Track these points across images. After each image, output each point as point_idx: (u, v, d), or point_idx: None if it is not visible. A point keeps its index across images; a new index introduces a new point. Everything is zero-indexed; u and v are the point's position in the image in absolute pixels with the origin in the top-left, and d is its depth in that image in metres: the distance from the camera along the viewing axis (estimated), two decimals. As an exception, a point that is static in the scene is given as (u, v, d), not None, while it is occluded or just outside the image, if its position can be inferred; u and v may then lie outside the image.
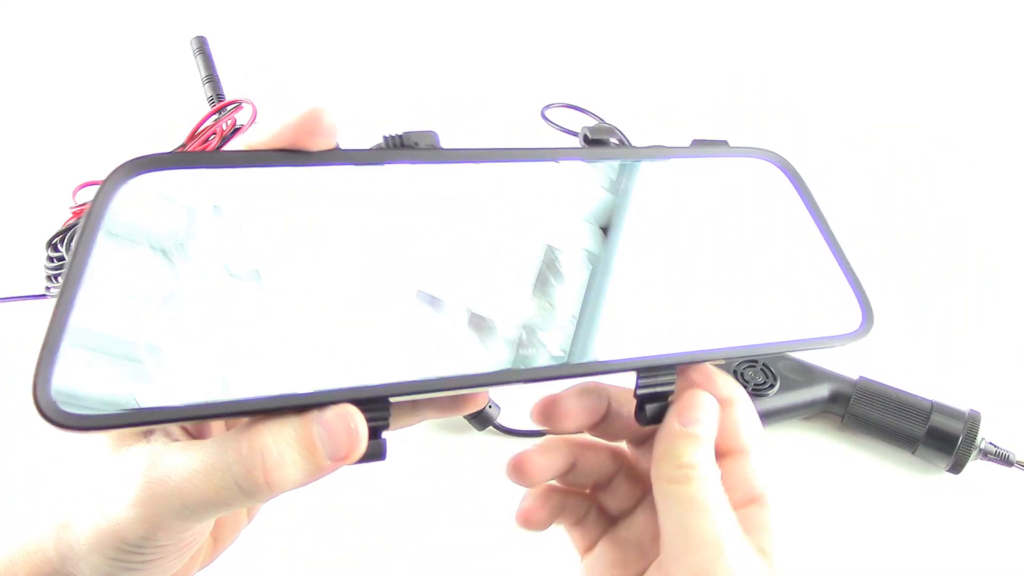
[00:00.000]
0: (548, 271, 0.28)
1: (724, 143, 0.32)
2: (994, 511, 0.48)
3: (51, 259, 0.53)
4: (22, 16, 0.77)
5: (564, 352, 0.28)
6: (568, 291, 0.28)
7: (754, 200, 0.32)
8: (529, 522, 0.32)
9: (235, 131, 0.59)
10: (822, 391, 0.50)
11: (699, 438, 0.28)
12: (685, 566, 0.27)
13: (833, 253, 0.31)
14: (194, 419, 0.24)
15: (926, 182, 0.66)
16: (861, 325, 0.30)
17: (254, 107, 0.59)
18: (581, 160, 0.29)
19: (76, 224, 0.54)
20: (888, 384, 0.50)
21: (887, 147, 0.69)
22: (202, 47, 0.67)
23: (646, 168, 0.30)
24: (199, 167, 0.24)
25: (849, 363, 0.51)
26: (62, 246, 0.52)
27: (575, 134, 0.62)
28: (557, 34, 0.78)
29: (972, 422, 0.47)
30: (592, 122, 0.64)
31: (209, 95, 0.65)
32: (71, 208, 0.55)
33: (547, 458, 0.31)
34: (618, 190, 0.30)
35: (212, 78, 0.66)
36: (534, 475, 0.31)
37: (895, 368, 0.51)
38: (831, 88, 0.74)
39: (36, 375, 0.22)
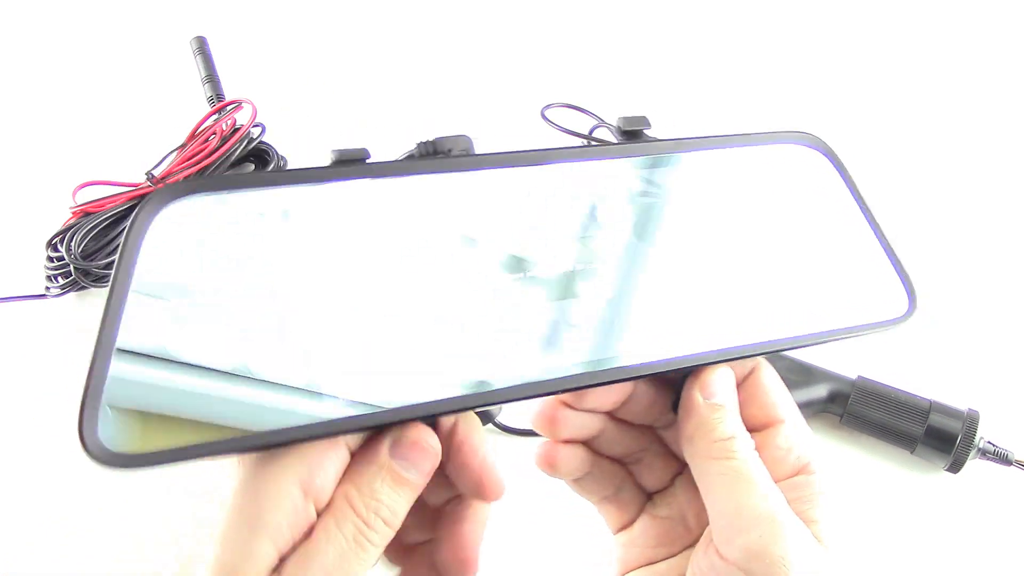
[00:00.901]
0: (587, 274, 0.28)
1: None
2: (993, 510, 0.48)
3: (51, 259, 0.53)
4: (22, 16, 0.77)
5: (600, 356, 0.27)
6: (607, 292, 0.28)
7: (794, 187, 0.31)
8: (551, 465, 0.31)
9: (235, 131, 0.59)
10: (820, 391, 0.50)
11: (725, 407, 0.28)
12: (739, 545, 0.26)
13: (878, 238, 0.31)
14: (254, 449, 0.24)
15: (923, 179, 0.66)
16: (907, 310, 0.31)
17: (254, 107, 0.59)
18: (616, 158, 0.29)
19: (76, 224, 0.54)
20: (886, 383, 0.50)
21: (885, 140, 0.69)
22: (202, 47, 0.67)
23: (685, 160, 0.30)
24: (230, 190, 0.24)
25: (847, 362, 0.51)
26: (62, 246, 0.52)
27: (578, 134, 0.62)
28: (557, 34, 0.78)
29: (971, 421, 0.48)
30: (593, 122, 0.64)
31: (209, 95, 0.65)
32: (71, 208, 0.55)
33: (576, 415, 0.30)
34: (656, 184, 0.30)
35: (212, 78, 0.66)
36: (560, 428, 0.30)
37: (893, 367, 0.51)
38: (821, 98, 0.74)
39: (82, 415, 0.21)
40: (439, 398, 0.25)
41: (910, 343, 0.54)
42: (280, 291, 0.24)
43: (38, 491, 0.46)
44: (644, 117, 0.31)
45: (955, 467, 0.48)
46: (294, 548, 0.24)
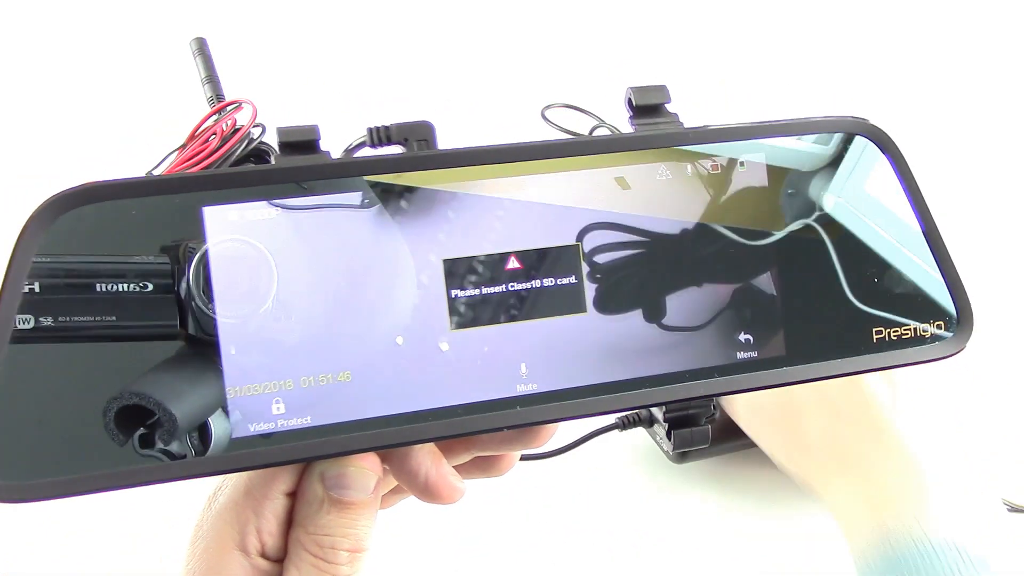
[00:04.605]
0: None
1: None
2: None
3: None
4: (22, 16, 0.77)
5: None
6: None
7: (843, 186, 0.27)
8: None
9: (235, 131, 0.59)
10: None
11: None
12: None
13: (931, 251, 0.26)
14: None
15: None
16: (958, 337, 0.26)
17: (254, 107, 0.59)
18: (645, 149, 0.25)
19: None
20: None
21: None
22: (202, 48, 0.67)
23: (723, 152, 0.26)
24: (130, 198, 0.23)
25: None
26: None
27: (577, 135, 0.61)
28: (557, 34, 0.78)
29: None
30: (593, 122, 0.64)
31: (209, 95, 0.65)
32: (71, 209, 0.55)
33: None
34: (693, 180, 0.26)
35: (212, 79, 0.66)
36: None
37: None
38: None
39: None
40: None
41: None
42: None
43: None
44: (663, 87, 0.25)
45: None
46: None
